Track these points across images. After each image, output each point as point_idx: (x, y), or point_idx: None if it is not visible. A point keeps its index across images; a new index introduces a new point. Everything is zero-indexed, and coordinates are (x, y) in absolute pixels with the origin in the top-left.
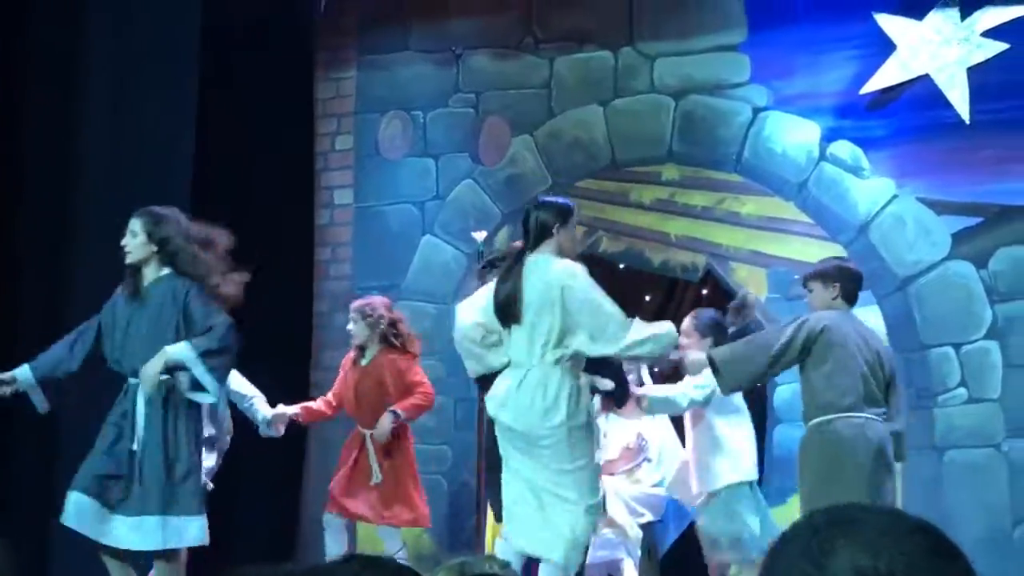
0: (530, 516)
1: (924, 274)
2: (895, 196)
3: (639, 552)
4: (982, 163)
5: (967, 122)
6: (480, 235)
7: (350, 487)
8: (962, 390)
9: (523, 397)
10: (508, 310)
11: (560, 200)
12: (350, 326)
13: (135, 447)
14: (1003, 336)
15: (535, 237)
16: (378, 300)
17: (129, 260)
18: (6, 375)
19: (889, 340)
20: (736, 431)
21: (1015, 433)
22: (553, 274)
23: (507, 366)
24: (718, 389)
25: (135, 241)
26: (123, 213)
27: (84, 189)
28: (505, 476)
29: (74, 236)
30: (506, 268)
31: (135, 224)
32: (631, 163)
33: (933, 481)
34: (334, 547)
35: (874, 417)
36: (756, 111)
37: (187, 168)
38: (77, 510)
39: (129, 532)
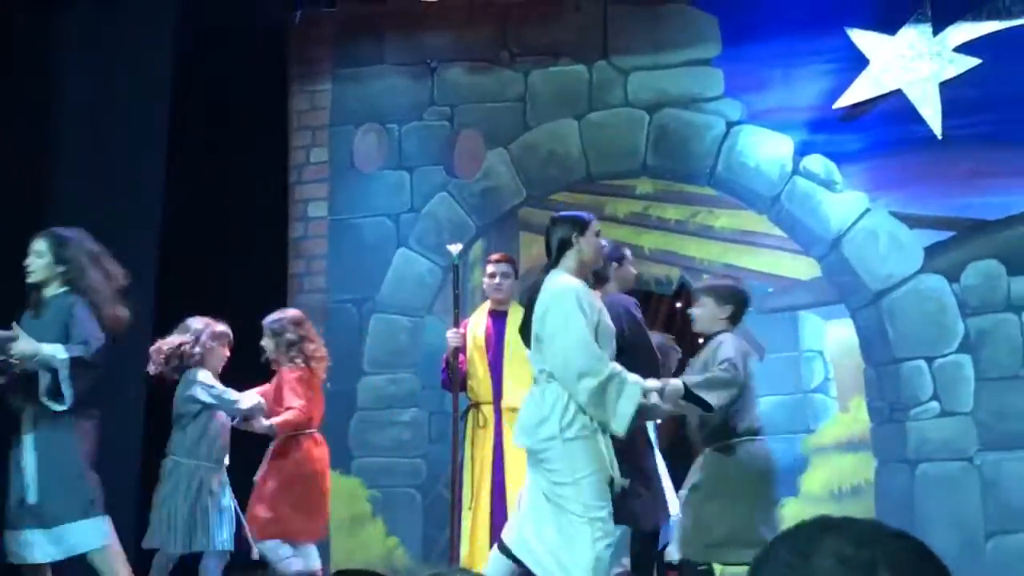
0: (552, 538)
1: (897, 288)
2: (868, 210)
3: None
4: (954, 177)
5: (939, 137)
6: (455, 248)
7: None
8: (935, 403)
9: (523, 414)
10: (525, 328)
11: (575, 213)
12: (263, 342)
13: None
14: (975, 350)
15: (556, 253)
16: (289, 315)
17: (32, 279)
18: None
19: (862, 353)
20: None
21: (987, 446)
22: (547, 293)
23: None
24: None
25: (40, 261)
26: (98, 226)
27: (58, 201)
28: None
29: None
30: (531, 287)
31: (41, 244)
32: (605, 176)
33: (906, 493)
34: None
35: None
36: (730, 125)
37: (160, 180)
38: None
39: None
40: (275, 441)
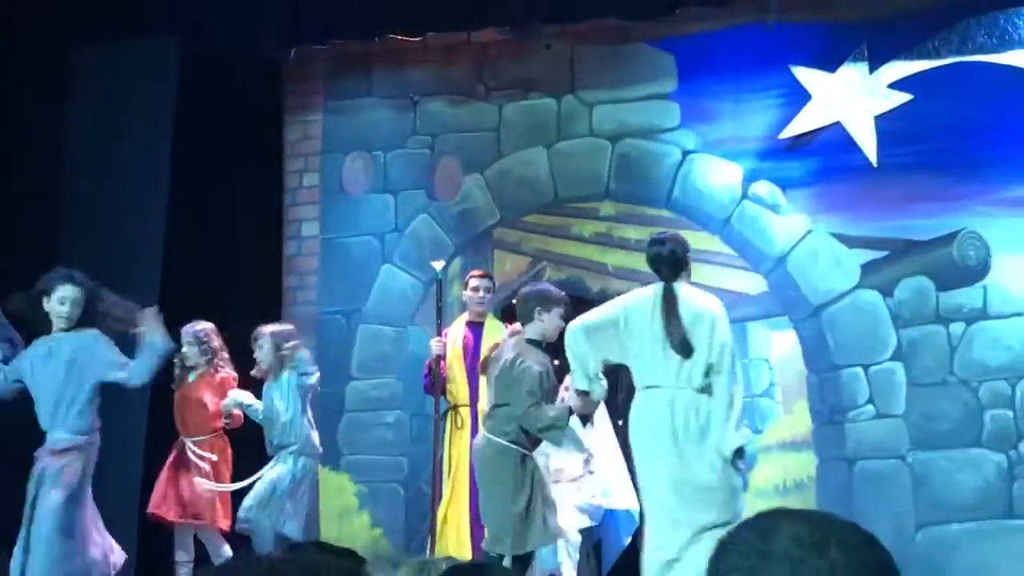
0: None
1: (836, 301)
2: (810, 231)
3: (578, 555)
4: (888, 202)
5: (875, 165)
6: (439, 264)
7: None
8: (870, 407)
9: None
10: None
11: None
12: (184, 348)
13: None
14: (907, 358)
15: (677, 270)
16: (210, 326)
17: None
18: None
19: (804, 361)
20: None
21: (917, 445)
22: (710, 304)
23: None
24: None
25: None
26: (107, 242)
27: (67, 220)
28: None
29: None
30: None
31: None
32: (572, 200)
33: (844, 489)
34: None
35: None
36: (685, 153)
37: (164, 202)
38: None
39: None
40: None
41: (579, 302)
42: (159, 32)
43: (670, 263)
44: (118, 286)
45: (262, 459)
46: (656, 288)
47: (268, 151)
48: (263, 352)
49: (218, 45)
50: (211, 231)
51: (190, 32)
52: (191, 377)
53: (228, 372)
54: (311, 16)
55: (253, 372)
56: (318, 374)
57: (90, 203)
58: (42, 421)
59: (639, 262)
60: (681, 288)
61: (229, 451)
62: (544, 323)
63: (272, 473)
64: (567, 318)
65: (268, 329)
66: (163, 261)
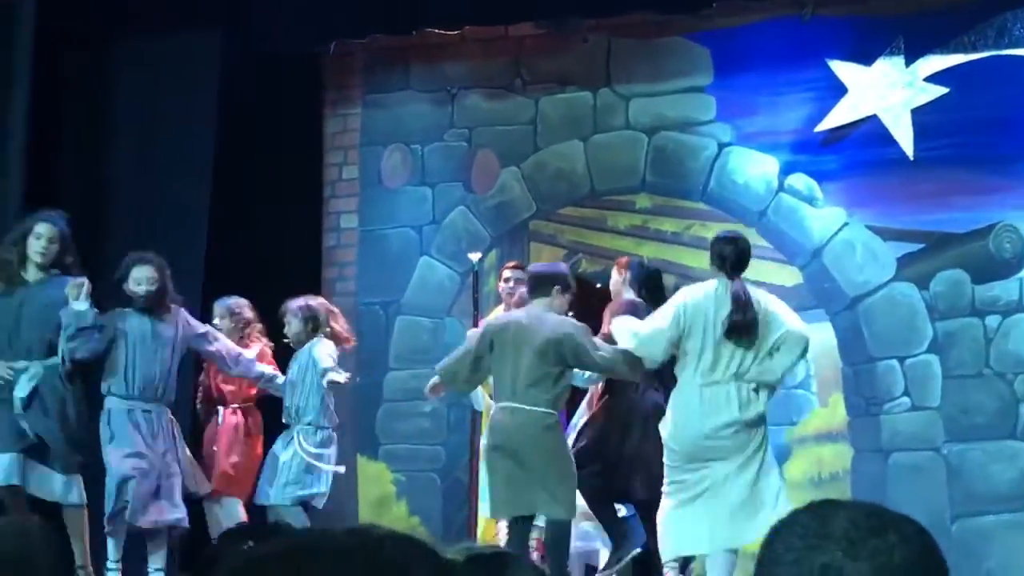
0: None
1: (872, 294)
2: (846, 224)
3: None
4: (924, 195)
5: (911, 158)
6: (475, 256)
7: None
8: (906, 399)
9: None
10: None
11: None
12: (216, 321)
13: None
14: (942, 350)
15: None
16: (243, 300)
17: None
18: None
19: (840, 353)
20: None
21: (953, 437)
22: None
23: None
24: None
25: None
26: (151, 236)
27: (113, 213)
28: None
29: (107, 259)
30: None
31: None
32: (608, 192)
33: (879, 480)
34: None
35: None
36: (721, 146)
37: (207, 195)
38: None
39: None
40: None
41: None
42: (202, 27)
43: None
44: None
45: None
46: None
47: (308, 144)
48: (291, 328)
49: (259, 40)
50: (252, 223)
51: (232, 27)
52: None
53: (263, 343)
54: (350, 11)
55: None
56: (335, 375)
57: (134, 195)
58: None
59: (674, 254)
60: None
61: (261, 423)
62: (556, 304)
63: (285, 452)
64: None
65: (295, 304)
66: (206, 253)
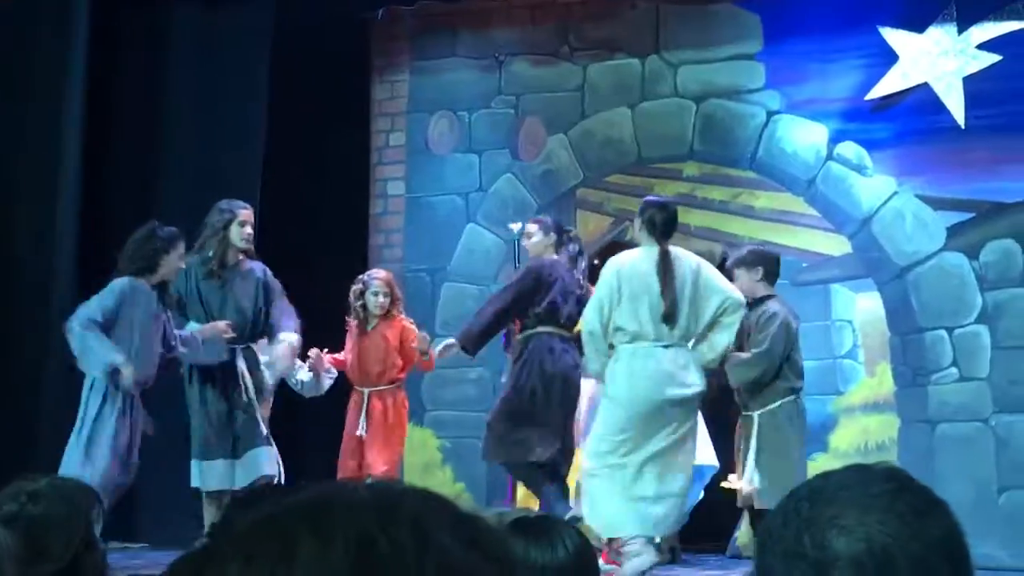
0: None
1: (921, 264)
2: (895, 193)
3: None
4: (975, 164)
5: (962, 126)
6: (516, 226)
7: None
8: (954, 369)
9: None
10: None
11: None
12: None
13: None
14: (992, 320)
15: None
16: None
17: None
18: None
19: (888, 323)
20: None
21: (1001, 409)
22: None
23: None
24: None
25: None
26: (206, 201)
27: (165, 180)
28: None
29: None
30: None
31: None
32: (656, 160)
33: (927, 451)
34: None
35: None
36: (770, 114)
37: (259, 161)
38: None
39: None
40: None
41: None
42: None
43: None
44: None
45: None
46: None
47: (356, 111)
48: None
49: (309, 7)
50: (301, 189)
51: None
52: (369, 326)
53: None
54: None
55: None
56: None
57: (187, 160)
58: None
59: (722, 222)
60: None
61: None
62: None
63: None
64: None
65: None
66: (258, 221)
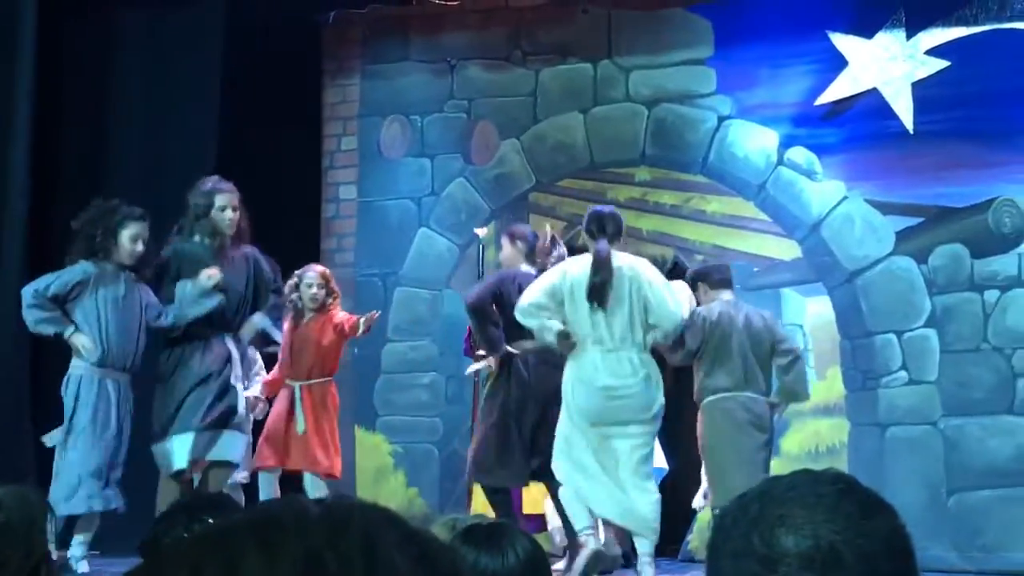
0: (612, 488)
1: (870, 268)
2: (845, 197)
3: None
4: (924, 169)
5: (911, 132)
6: (482, 231)
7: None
8: (903, 373)
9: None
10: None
11: None
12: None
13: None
14: (941, 324)
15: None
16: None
17: (233, 230)
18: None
19: (838, 327)
20: None
21: (950, 412)
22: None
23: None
24: None
25: (237, 215)
26: (153, 205)
27: (116, 182)
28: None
29: None
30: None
31: (236, 199)
32: (608, 165)
33: (877, 454)
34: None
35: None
36: (721, 119)
37: (210, 165)
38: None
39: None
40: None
41: None
42: None
43: None
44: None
45: None
46: None
47: (308, 114)
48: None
49: (260, 10)
50: (253, 193)
51: None
52: (305, 319)
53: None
54: None
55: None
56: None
57: (137, 163)
58: None
59: (673, 227)
60: None
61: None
62: None
63: None
64: None
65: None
66: None
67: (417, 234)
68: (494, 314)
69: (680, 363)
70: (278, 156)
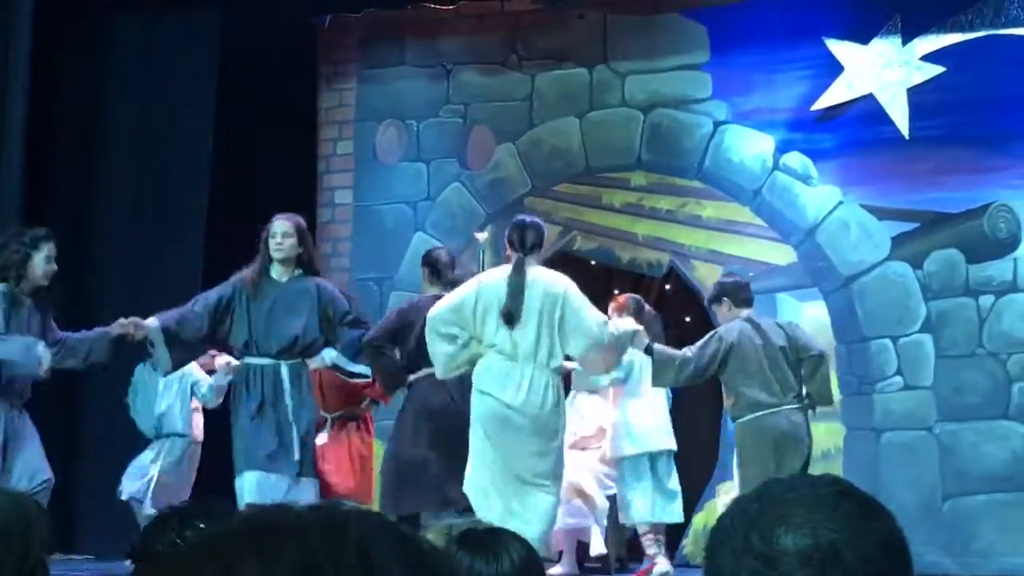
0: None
1: (866, 273)
2: (840, 203)
3: (605, 521)
4: (919, 174)
5: (906, 137)
6: (482, 236)
7: None
8: (898, 378)
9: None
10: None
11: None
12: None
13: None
14: (936, 330)
15: (535, 249)
16: None
17: (281, 256)
18: (141, 321)
19: (834, 332)
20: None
21: (945, 417)
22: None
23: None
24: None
25: (290, 241)
26: (148, 210)
27: (112, 187)
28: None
29: (93, 236)
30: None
31: (289, 227)
32: (603, 170)
33: (872, 459)
34: None
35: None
36: (716, 124)
37: (206, 169)
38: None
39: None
40: None
41: (608, 270)
42: (202, 2)
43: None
44: (162, 253)
45: None
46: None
47: (304, 119)
48: None
49: (256, 14)
50: (249, 197)
51: (230, 1)
52: None
53: None
54: None
55: None
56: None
57: (132, 168)
58: None
59: (668, 232)
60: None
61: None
62: None
63: None
64: None
65: None
66: (205, 227)
67: (413, 239)
68: (392, 353)
69: (687, 383)
70: (274, 160)
